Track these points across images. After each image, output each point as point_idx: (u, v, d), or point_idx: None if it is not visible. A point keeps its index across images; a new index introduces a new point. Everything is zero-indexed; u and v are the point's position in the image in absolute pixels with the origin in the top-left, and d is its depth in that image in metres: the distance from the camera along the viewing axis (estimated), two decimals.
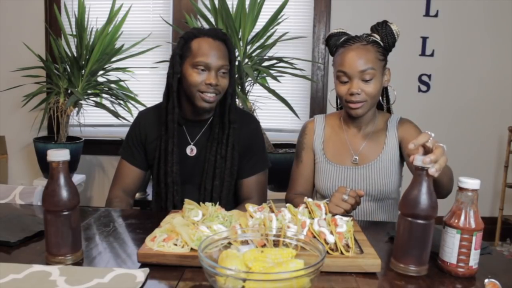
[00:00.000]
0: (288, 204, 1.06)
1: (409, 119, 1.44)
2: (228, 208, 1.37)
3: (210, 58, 1.31)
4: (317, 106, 3.08)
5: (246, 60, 2.51)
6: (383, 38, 1.34)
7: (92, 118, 3.10)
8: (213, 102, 1.35)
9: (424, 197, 0.87)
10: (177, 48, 1.37)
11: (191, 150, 1.43)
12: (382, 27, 1.34)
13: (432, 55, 3.02)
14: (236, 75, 2.19)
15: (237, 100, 1.81)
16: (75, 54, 2.73)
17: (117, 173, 1.49)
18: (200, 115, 1.43)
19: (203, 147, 1.43)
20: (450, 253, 0.89)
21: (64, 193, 0.88)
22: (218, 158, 1.40)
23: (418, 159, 0.87)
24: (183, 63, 1.36)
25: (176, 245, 0.92)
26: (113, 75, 2.93)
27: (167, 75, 1.40)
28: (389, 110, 1.49)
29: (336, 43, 1.36)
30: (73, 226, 0.91)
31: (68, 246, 0.91)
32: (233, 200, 1.51)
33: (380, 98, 1.43)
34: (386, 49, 1.35)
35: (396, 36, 1.34)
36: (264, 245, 0.89)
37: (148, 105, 1.60)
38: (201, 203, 1.11)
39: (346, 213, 1.19)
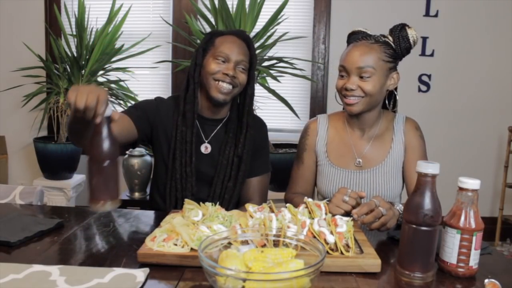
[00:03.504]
0: (288, 204, 1.06)
1: (414, 119, 1.42)
2: (229, 208, 1.38)
3: (231, 51, 1.34)
4: (317, 106, 3.09)
5: None
6: (395, 41, 1.30)
7: None
8: (227, 94, 1.35)
9: (427, 204, 0.86)
10: (202, 42, 1.42)
11: (205, 148, 1.43)
12: (397, 31, 1.30)
13: (432, 55, 3.02)
14: None
15: None
16: (75, 54, 2.73)
17: None
18: (215, 111, 1.43)
19: (218, 146, 1.43)
20: (450, 253, 0.89)
21: (105, 145, 0.93)
22: (235, 160, 1.41)
23: (421, 165, 0.87)
24: (205, 55, 1.39)
25: (176, 245, 0.92)
26: (113, 75, 2.93)
27: (189, 68, 1.42)
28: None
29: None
30: (113, 174, 0.95)
31: (107, 192, 0.94)
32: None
33: (387, 102, 1.40)
34: (398, 53, 1.31)
35: (411, 42, 1.30)
36: (264, 245, 0.89)
37: None
38: (201, 203, 1.11)
39: (346, 214, 1.18)
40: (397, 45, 1.30)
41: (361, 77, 1.26)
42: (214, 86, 1.35)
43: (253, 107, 2.52)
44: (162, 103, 1.44)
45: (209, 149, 1.43)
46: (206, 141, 1.44)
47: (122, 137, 1.29)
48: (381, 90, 1.31)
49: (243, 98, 1.44)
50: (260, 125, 1.53)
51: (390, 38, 1.31)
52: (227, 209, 1.11)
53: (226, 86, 1.34)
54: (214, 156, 1.43)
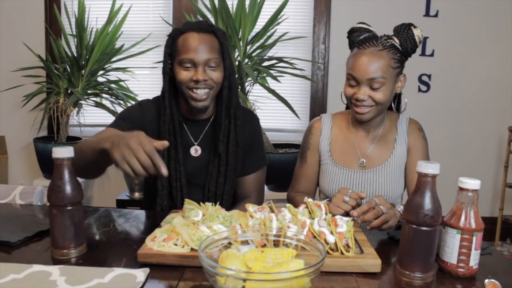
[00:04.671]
0: (288, 204, 1.07)
1: (416, 120, 1.42)
2: (226, 206, 1.37)
3: (194, 54, 1.26)
4: (317, 106, 3.08)
5: (246, 60, 2.51)
6: (402, 43, 1.28)
7: (92, 118, 3.10)
8: (205, 99, 1.30)
9: (428, 204, 0.85)
10: (166, 47, 1.34)
11: (195, 151, 1.40)
12: (403, 31, 1.28)
13: (432, 55, 3.02)
14: (236, 75, 2.17)
15: None
16: (75, 54, 2.73)
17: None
18: (199, 114, 1.39)
19: (208, 147, 1.40)
20: (451, 253, 0.89)
21: (68, 189, 0.92)
22: (222, 156, 1.37)
23: (421, 165, 0.87)
24: (173, 62, 1.33)
25: (176, 245, 0.92)
26: (113, 75, 2.93)
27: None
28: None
29: (355, 40, 1.31)
30: (77, 221, 0.95)
31: (72, 240, 0.94)
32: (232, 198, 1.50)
33: (392, 103, 1.39)
34: (404, 54, 1.29)
35: (417, 42, 1.28)
36: (264, 245, 0.89)
37: None
38: (201, 203, 1.10)
39: (346, 214, 1.18)
40: (404, 47, 1.28)
41: (372, 87, 1.25)
42: (189, 95, 1.30)
43: (248, 102, 2.54)
44: (147, 107, 1.40)
45: (199, 151, 1.40)
46: (196, 143, 1.41)
47: None
48: (391, 96, 1.30)
49: (221, 93, 1.35)
50: (250, 118, 1.47)
51: (396, 39, 1.29)
52: (221, 204, 1.11)
53: (201, 92, 1.28)
54: (204, 158, 1.40)
